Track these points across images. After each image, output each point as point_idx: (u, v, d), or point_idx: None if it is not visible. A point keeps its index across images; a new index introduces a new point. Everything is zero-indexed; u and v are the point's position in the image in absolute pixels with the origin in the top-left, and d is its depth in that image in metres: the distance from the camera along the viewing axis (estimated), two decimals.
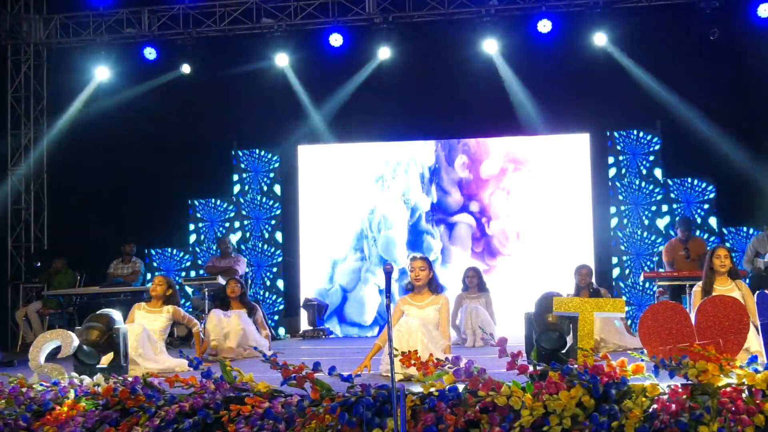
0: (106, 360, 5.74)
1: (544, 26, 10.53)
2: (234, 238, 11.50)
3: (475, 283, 9.33)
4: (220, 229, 11.70)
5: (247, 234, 11.67)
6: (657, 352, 4.05)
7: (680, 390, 3.72)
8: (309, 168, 11.69)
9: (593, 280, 8.52)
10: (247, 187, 11.78)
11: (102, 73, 11.60)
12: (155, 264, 11.67)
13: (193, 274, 11.44)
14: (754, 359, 3.90)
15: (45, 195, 12.08)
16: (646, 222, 10.87)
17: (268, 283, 11.61)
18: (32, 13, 11.82)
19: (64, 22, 11.77)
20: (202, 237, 11.74)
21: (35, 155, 12.01)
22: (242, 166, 11.82)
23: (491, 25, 10.75)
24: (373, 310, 11.29)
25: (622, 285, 10.80)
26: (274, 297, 11.59)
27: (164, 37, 11.44)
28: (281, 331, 11.30)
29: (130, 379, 4.55)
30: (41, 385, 4.56)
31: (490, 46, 10.80)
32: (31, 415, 4.32)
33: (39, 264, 11.41)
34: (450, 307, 6.45)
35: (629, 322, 9.02)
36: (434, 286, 6.16)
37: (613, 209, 10.92)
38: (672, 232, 10.42)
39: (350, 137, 11.53)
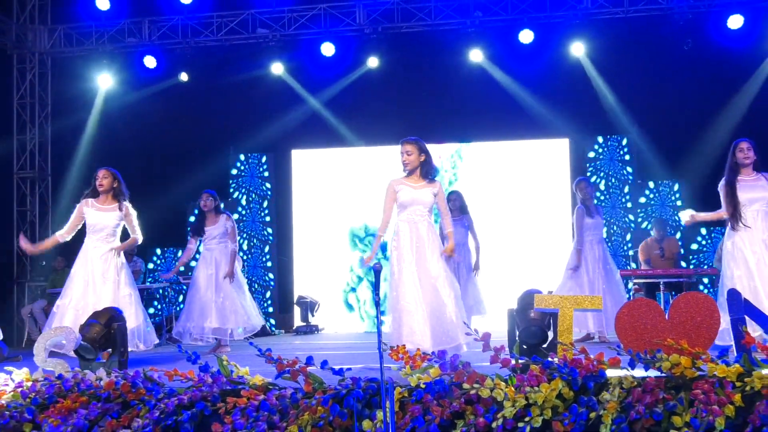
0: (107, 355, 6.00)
1: (526, 36, 10.80)
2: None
3: (457, 206, 9.06)
4: None
5: (244, 235, 12.09)
6: (633, 346, 4.11)
7: (654, 382, 3.78)
8: (302, 171, 12.13)
9: None
10: (243, 190, 12.17)
11: (104, 80, 11.91)
12: (158, 264, 12.07)
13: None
14: (724, 351, 3.97)
15: (49, 197, 12.31)
16: (623, 223, 11.23)
17: (262, 281, 12.03)
18: (37, 24, 12.09)
19: (68, 32, 12.04)
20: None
21: (40, 159, 12.30)
22: (239, 169, 12.23)
23: (476, 35, 11.02)
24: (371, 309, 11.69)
25: None
26: (268, 294, 12.02)
27: (164, 46, 11.68)
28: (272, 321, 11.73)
29: (131, 373, 4.55)
30: (46, 379, 4.57)
31: (475, 56, 11.12)
32: (36, 408, 4.37)
33: (44, 263, 11.68)
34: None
35: None
36: (425, 172, 6.00)
37: None
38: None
39: (341, 142, 11.91)
